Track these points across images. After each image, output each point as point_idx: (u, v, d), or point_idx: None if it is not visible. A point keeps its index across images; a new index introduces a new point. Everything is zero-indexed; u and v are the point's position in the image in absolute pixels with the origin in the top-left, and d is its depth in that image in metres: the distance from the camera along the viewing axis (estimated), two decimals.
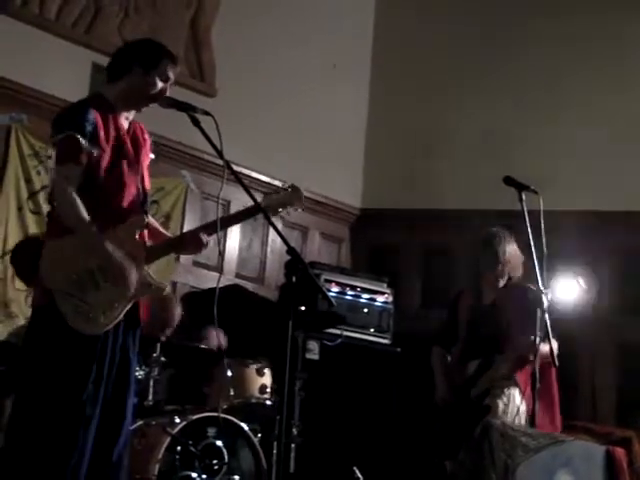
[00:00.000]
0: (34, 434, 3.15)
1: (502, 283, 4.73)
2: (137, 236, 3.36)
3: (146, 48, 3.49)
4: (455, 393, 4.66)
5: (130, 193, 3.37)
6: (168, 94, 3.48)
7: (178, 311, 5.34)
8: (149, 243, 3.43)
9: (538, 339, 4.06)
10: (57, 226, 3.29)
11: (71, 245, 3.25)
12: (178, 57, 6.21)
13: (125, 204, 3.35)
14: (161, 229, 3.61)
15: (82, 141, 3.24)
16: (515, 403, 4.49)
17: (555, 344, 4.31)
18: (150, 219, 3.49)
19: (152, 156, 3.56)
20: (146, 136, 3.52)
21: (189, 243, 3.47)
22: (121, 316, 3.26)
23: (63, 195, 3.24)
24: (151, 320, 5.14)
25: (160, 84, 3.43)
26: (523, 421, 4.35)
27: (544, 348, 4.16)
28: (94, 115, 3.29)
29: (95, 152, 3.26)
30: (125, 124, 3.43)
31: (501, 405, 4.49)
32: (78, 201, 3.21)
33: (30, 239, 5.13)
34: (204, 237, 3.42)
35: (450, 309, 4.91)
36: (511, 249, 4.68)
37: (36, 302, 3.33)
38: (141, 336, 3.49)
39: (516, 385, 4.51)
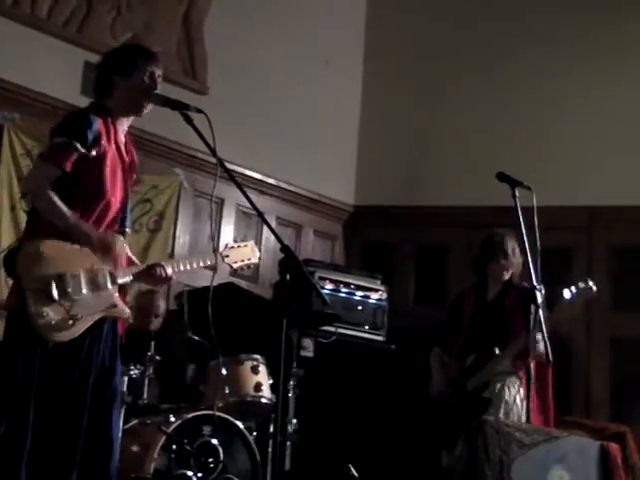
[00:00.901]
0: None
1: (506, 277, 4.74)
2: (112, 256, 3.34)
3: (119, 56, 3.49)
4: (451, 384, 4.68)
5: (115, 206, 3.36)
6: (161, 92, 3.47)
7: (162, 302, 5.34)
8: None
9: (540, 336, 4.07)
10: (38, 225, 3.26)
11: (52, 249, 3.23)
12: (170, 54, 6.35)
13: (109, 217, 3.35)
14: (131, 255, 3.54)
15: (79, 148, 3.23)
16: (517, 398, 4.50)
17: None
18: (125, 244, 3.48)
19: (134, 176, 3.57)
20: (135, 158, 3.53)
21: (153, 275, 3.44)
22: (86, 327, 3.22)
23: (43, 194, 3.21)
24: (135, 311, 5.17)
25: (146, 79, 3.42)
26: (523, 416, 4.36)
27: (540, 347, 4.17)
28: (97, 123, 3.29)
29: (92, 161, 3.26)
30: (122, 138, 3.43)
31: (503, 399, 4.50)
32: (55, 197, 3.20)
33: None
34: (169, 271, 3.44)
35: (453, 310, 4.92)
36: (515, 246, 4.72)
37: (9, 304, 3.28)
38: (132, 331, 3.47)
39: (517, 380, 4.53)
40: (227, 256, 3.69)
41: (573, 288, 4.34)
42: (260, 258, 3.89)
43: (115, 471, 3.30)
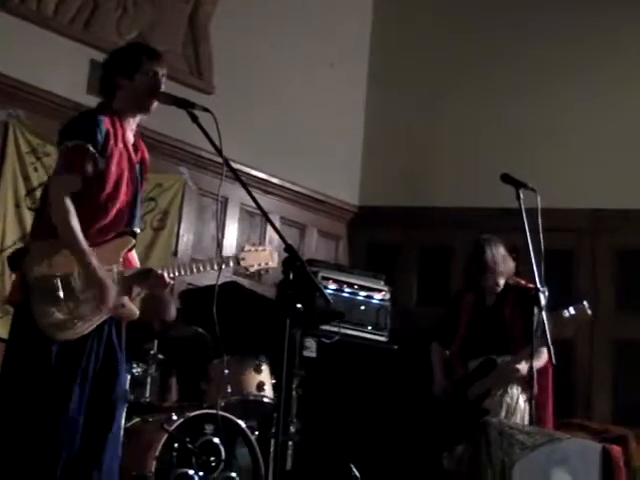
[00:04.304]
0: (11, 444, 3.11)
1: (499, 288, 4.75)
2: (122, 257, 3.35)
3: (121, 57, 3.48)
4: (453, 386, 4.68)
5: (124, 208, 3.35)
6: (166, 91, 3.47)
7: (173, 307, 5.33)
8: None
9: (540, 342, 4.07)
10: (47, 226, 3.26)
11: (59, 249, 3.22)
12: (176, 53, 6.36)
13: (117, 219, 3.33)
14: (135, 258, 3.53)
15: (92, 150, 3.23)
16: (518, 404, 4.49)
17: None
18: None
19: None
20: (147, 156, 3.51)
21: (153, 278, 3.41)
22: (93, 327, 3.22)
23: (61, 206, 3.20)
24: (147, 312, 5.14)
25: (150, 79, 3.41)
26: (526, 417, 4.36)
27: (542, 353, 4.18)
28: (105, 124, 3.29)
29: (101, 163, 3.25)
30: (131, 137, 3.42)
31: (503, 409, 4.50)
32: (74, 213, 3.19)
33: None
34: (167, 277, 3.41)
35: (451, 306, 4.93)
36: (499, 255, 4.72)
37: (12, 299, 3.27)
38: (138, 326, 3.47)
39: (519, 385, 4.53)
40: (243, 259, 3.64)
41: (571, 309, 4.34)
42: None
43: (117, 468, 3.31)
